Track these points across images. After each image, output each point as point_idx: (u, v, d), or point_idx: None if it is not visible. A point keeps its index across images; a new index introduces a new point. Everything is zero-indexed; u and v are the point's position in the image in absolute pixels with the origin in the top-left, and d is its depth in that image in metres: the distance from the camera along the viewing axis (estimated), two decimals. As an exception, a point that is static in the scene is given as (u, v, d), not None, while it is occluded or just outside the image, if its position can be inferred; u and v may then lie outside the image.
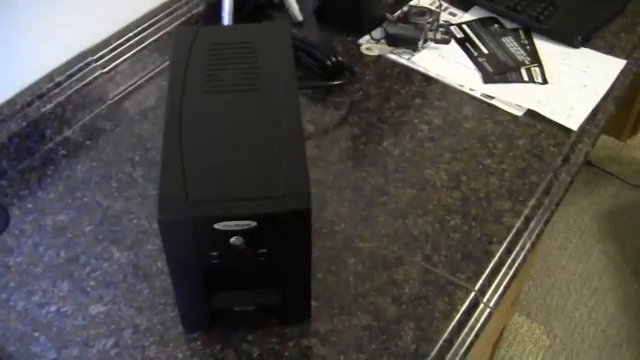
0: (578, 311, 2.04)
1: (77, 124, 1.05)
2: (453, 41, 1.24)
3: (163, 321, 0.80)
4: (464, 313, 0.82)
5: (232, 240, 0.67)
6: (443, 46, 1.23)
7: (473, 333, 0.82)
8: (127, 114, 1.07)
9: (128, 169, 0.98)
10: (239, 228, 0.66)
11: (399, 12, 1.26)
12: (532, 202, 0.95)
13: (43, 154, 1.00)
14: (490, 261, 0.87)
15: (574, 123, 1.07)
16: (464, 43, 1.24)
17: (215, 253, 0.69)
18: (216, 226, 0.66)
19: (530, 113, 1.09)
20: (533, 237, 0.92)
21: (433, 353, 0.78)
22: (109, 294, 0.83)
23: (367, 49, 1.21)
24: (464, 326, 0.82)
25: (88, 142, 1.02)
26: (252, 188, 0.67)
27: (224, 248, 0.68)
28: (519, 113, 1.10)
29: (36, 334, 0.79)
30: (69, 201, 0.94)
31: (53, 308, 0.82)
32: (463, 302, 0.83)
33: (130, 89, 1.11)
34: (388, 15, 1.23)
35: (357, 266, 0.86)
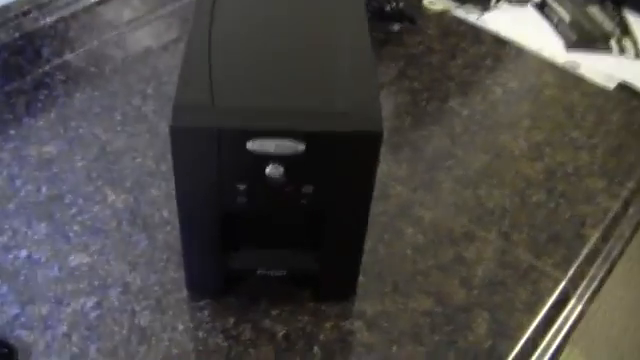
0: (625, 341, 1.84)
1: (81, 48, 0.87)
2: (529, 4, 1.06)
3: (162, 282, 0.62)
4: (551, 307, 0.64)
5: (268, 170, 0.49)
6: (518, 7, 1.05)
7: (561, 335, 0.63)
8: (142, 43, 0.89)
9: (137, 102, 0.80)
10: (280, 152, 0.48)
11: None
12: (631, 184, 0.77)
13: (36, 77, 0.82)
14: (583, 247, 0.69)
15: (675, 103, 0.89)
16: (542, 8, 1.06)
17: (243, 186, 0.50)
18: (249, 145, 0.47)
19: (621, 87, 0.92)
20: (633, 225, 0.74)
21: (513, 354, 0.59)
22: (96, 243, 0.65)
23: (430, 3, 1.04)
24: (552, 324, 0.63)
25: (92, 69, 0.84)
26: (302, 99, 0.49)
27: (256, 180, 0.49)
28: (610, 86, 0.92)
29: (-2, 283, 0.61)
30: (60, 131, 0.76)
31: (23, 253, 0.64)
32: (551, 293, 0.65)
33: (149, 17, 0.93)
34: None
35: (416, 237, 0.68)
